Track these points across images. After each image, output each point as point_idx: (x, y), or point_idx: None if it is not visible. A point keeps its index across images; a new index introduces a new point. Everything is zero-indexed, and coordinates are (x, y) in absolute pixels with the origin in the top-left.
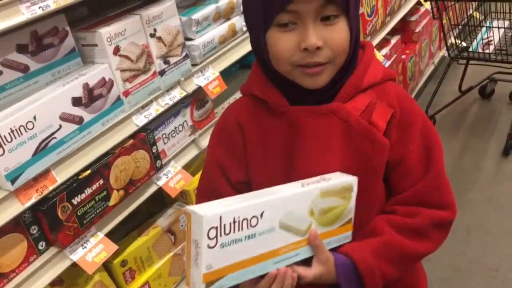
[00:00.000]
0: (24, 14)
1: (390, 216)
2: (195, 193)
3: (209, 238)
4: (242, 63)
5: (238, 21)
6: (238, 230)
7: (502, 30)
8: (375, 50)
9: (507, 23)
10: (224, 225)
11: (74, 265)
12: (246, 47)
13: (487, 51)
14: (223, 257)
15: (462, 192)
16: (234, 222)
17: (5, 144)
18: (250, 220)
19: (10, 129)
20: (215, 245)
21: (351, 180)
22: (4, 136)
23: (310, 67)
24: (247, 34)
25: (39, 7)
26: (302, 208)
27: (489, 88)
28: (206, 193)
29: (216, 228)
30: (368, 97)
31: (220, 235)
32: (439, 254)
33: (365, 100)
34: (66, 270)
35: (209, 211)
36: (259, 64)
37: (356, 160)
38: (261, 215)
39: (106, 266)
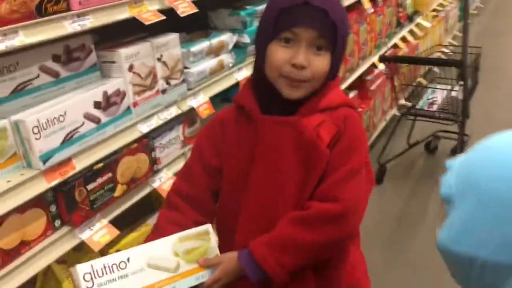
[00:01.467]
0: (67, 28)
1: (292, 212)
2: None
3: (85, 280)
4: (223, 97)
5: (226, 58)
6: (110, 273)
7: (445, 92)
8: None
9: (449, 87)
10: (96, 270)
11: (78, 249)
12: (230, 81)
13: (431, 109)
14: None
15: (410, 233)
16: (104, 267)
17: (41, 130)
18: (119, 264)
19: (47, 119)
20: (92, 286)
21: (206, 226)
22: (42, 124)
23: (292, 80)
24: (232, 69)
25: (78, 25)
26: (165, 251)
27: (433, 144)
28: (184, 175)
29: (90, 273)
30: (322, 116)
31: (95, 277)
32: None
33: (319, 118)
34: (69, 253)
35: (83, 264)
36: (254, 72)
37: (303, 164)
38: (128, 259)
39: (103, 254)
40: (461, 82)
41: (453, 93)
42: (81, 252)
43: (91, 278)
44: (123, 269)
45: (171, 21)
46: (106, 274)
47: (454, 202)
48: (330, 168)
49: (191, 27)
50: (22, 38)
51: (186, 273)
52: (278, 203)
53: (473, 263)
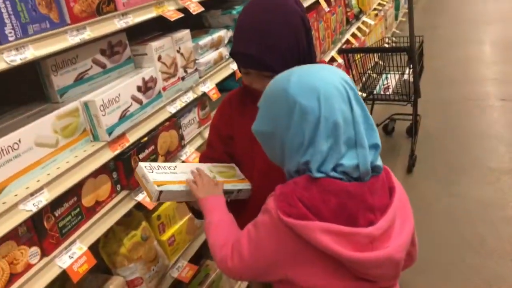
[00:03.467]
0: (116, 25)
1: None
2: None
3: (147, 169)
4: (220, 87)
5: (223, 50)
6: (164, 169)
7: (397, 77)
8: None
9: (400, 72)
10: (154, 166)
11: (129, 214)
12: (229, 70)
13: (387, 93)
14: (160, 176)
15: None
16: (159, 166)
17: (106, 108)
18: (169, 167)
19: (108, 99)
20: (152, 172)
21: (231, 164)
22: (105, 103)
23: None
24: (228, 60)
25: (124, 22)
26: (203, 169)
27: (390, 126)
28: (208, 144)
29: (150, 166)
30: None
31: (151, 170)
32: None
33: None
34: (122, 218)
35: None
36: None
37: None
38: (175, 167)
39: (147, 218)
40: (411, 66)
41: (405, 77)
42: (130, 217)
43: (151, 168)
44: (173, 169)
45: (163, 23)
46: (161, 169)
47: (259, 107)
48: None
49: (177, 28)
50: (89, 33)
51: (223, 182)
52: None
53: (263, 135)
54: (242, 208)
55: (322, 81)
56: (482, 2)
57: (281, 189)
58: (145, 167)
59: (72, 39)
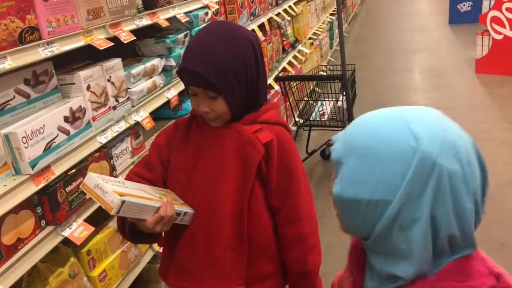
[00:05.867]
0: (41, 54)
1: None
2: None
3: (101, 179)
4: (154, 116)
5: (157, 79)
6: (116, 182)
7: (331, 104)
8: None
9: (334, 99)
10: (104, 178)
11: (55, 250)
12: (163, 99)
13: (322, 119)
14: (117, 188)
15: (320, 222)
16: (110, 179)
17: (29, 140)
18: (119, 182)
19: (31, 131)
20: (107, 182)
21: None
22: (28, 135)
23: (207, 118)
24: (163, 89)
25: (48, 51)
26: (146, 189)
27: (327, 151)
28: (144, 162)
29: (102, 177)
30: (261, 126)
31: (105, 181)
32: None
33: (258, 127)
34: (48, 255)
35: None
36: None
37: (240, 161)
38: (124, 183)
39: (75, 253)
40: (344, 94)
41: (339, 104)
42: (57, 253)
43: (104, 179)
44: (123, 184)
45: (96, 52)
46: (111, 182)
47: (342, 162)
48: (278, 184)
49: (106, 57)
50: (10, 62)
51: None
52: (220, 196)
53: (359, 205)
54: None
55: (458, 136)
56: (410, 32)
57: None
58: (98, 177)
59: None
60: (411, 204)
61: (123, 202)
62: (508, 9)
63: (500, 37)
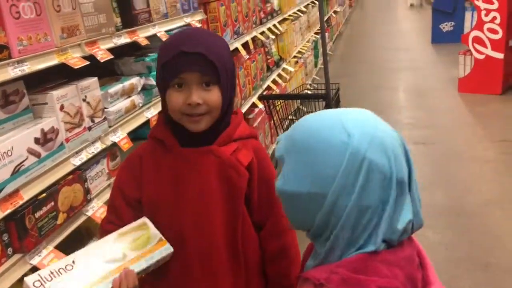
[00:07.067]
0: (10, 73)
1: None
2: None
3: (35, 286)
4: (133, 136)
5: (136, 98)
6: (58, 276)
7: None
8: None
9: None
10: (44, 276)
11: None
12: (142, 119)
13: None
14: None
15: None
16: (51, 273)
17: None
18: (65, 267)
19: None
20: (43, 285)
21: (142, 219)
22: None
23: (192, 116)
24: (142, 109)
25: (19, 70)
26: (109, 246)
27: None
28: (110, 211)
29: (39, 280)
30: (236, 144)
31: (44, 282)
32: None
33: (234, 146)
34: (15, 285)
35: (30, 275)
36: (163, 112)
37: (225, 186)
38: (73, 262)
39: None
40: None
41: None
42: None
43: (41, 284)
44: (70, 270)
45: (72, 70)
46: (55, 277)
47: (284, 159)
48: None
49: (84, 76)
50: None
51: (134, 259)
52: (212, 224)
53: (300, 197)
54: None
55: (387, 134)
56: (394, 51)
57: (337, 278)
58: (34, 283)
59: None
60: (345, 196)
61: None
62: (489, 30)
63: (482, 56)
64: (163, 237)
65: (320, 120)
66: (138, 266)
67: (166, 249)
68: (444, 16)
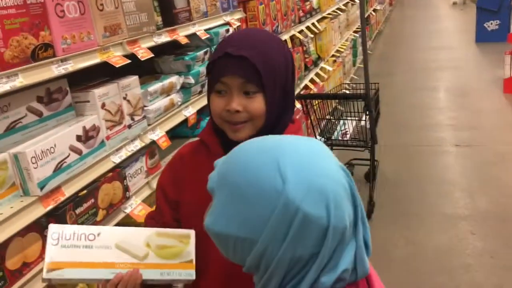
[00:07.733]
0: (54, 72)
1: None
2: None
3: (52, 239)
4: (172, 134)
5: (175, 97)
6: (77, 240)
7: (354, 123)
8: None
9: (357, 118)
10: (65, 233)
11: None
12: (180, 117)
13: (345, 139)
14: (62, 254)
15: None
16: (74, 233)
17: (38, 160)
18: (88, 236)
19: (41, 150)
20: (56, 244)
21: (190, 231)
22: (38, 154)
23: (232, 124)
24: (181, 107)
25: (63, 68)
26: (138, 239)
27: (349, 170)
28: (155, 213)
29: (58, 233)
30: None
31: (61, 238)
32: None
33: None
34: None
35: (56, 225)
36: (210, 118)
37: None
38: (98, 234)
39: None
40: (367, 113)
41: (362, 123)
42: None
43: (58, 238)
44: (90, 240)
45: (114, 69)
46: (73, 239)
47: (215, 193)
48: None
49: (125, 74)
50: (21, 80)
51: (152, 265)
52: None
53: (228, 239)
54: None
55: (329, 179)
56: (435, 50)
57: None
58: (52, 234)
59: (0, 86)
60: (275, 245)
61: (49, 280)
62: None
63: None
64: (194, 260)
65: (256, 156)
66: (149, 274)
67: (188, 274)
68: (489, 14)
